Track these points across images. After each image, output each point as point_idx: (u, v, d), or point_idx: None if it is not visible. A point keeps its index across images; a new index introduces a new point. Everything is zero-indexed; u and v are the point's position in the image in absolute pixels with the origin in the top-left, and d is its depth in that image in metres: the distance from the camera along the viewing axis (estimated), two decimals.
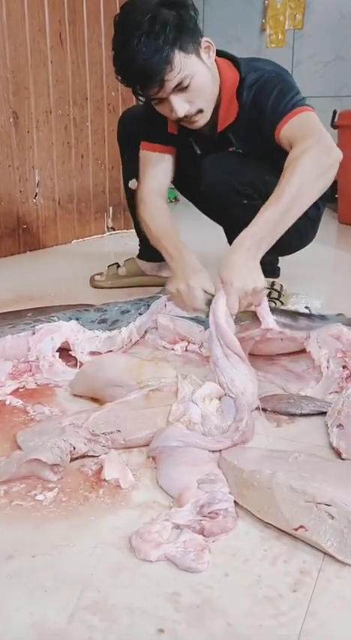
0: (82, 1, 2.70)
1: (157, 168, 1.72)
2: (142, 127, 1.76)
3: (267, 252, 1.81)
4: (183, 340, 1.51)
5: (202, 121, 1.56)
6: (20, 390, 1.27)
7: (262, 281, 1.26)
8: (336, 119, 3.26)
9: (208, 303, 1.31)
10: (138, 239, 2.14)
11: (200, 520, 0.84)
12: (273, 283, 1.86)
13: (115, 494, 0.92)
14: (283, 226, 1.30)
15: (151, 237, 1.63)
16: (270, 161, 1.56)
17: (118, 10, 2.81)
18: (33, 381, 1.29)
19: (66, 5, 2.63)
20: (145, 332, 1.59)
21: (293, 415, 1.17)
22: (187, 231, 2.24)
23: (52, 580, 0.76)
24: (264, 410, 1.19)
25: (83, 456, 1.00)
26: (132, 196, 1.95)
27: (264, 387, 1.30)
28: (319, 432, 1.11)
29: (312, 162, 1.32)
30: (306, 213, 1.82)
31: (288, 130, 1.47)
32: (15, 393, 1.26)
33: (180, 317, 1.54)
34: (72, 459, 0.97)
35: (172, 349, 1.52)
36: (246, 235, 1.28)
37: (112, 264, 2.12)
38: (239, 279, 1.22)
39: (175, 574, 0.76)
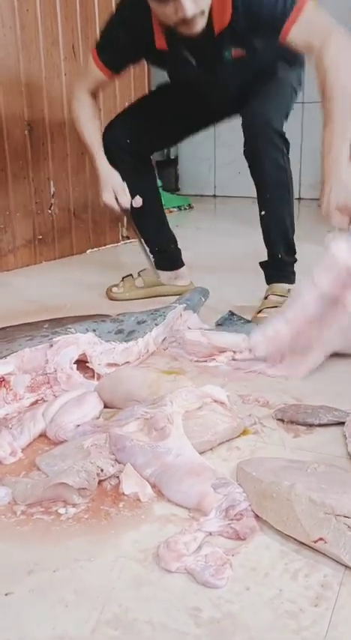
0: (95, 11, 2.72)
1: (99, 86, 1.85)
2: (117, 60, 1.81)
3: (286, 254, 1.84)
4: (223, 352, 1.48)
5: (201, 23, 1.55)
6: (39, 402, 1.28)
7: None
8: None
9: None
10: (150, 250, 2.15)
11: (229, 524, 0.86)
12: (289, 291, 1.86)
13: (135, 508, 0.92)
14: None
15: (80, 132, 1.90)
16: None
17: None
18: (51, 394, 1.30)
19: (78, 15, 2.66)
20: (163, 340, 1.60)
21: (311, 425, 1.17)
22: (198, 239, 2.24)
23: (73, 594, 0.76)
24: (282, 420, 1.19)
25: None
26: (136, 214, 2.00)
27: (281, 398, 1.30)
28: (338, 443, 1.11)
29: (345, 64, 1.44)
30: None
31: (297, 32, 1.49)
32: (34, 405, 1.27)
33: (211, 330, 1.54)
34: (100, 481, 0.97)
35: (206, 361, 1.48)
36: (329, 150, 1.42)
37: (127, 276, 2.13)
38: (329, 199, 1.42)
39: (195, 588, 0.77)
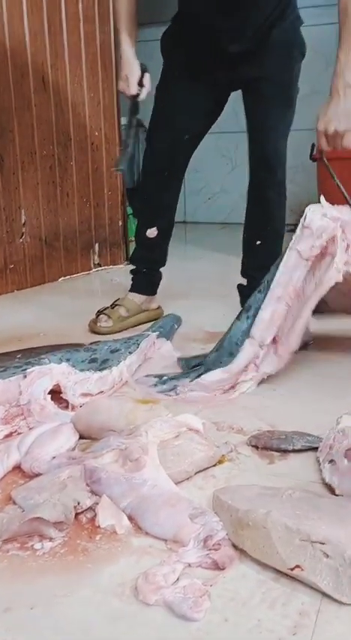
0: (64, 44, 2.76)
1: None
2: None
3: None
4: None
5: None
6: (13, 434, 1.27)
7: (345, 124, 1.57)
8: (314, 152, 3.33)
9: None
10: (130, 272, 2.17)
11: (207, 554, 0.86)
12: None
13: (112, 541, 0.92)
14: None
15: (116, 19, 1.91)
16: None
17: (99, 53, 2.91)
18: (25, 425, 1.29)
19: (48, 49, 2.69)
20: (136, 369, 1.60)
21: (285, 451, 1.18)
22: (168, 265, 2.27)
23: (52, 631, 0.76)
24: (256, 447, 1.20)
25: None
26: (146, 245, 2.05)
27: (255, 424, 1.31)
28: (312, 468, 1.12)
29: None
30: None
31: None
32: (8, 437, 1.26)
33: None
34: (77, 514, 0.97)
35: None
36: (337, 82, 1.59)
37: (114, 307, 2.07)
38: (322, 122, 1.60)
39: (174, 620, 0.76)
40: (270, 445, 1.19)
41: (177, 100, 1.91)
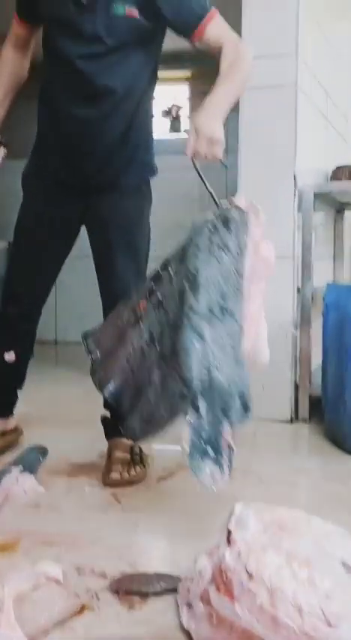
0: None
1: (21, 39, 1.97)
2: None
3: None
4: None
5: None
6: None
7: (222, 133, 1.62)
8: None
9: None
10: None
11: None
12: (132, 448, 1.88)
13: None
14: (232, 99, 1.72)
15: None
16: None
17: None
18: None
19: None
20: None
21: (146, 594, 1.18)
22: (36, 388, 2.23)
23: None
24: (117, 592, 1.19)
25: None
26: (3, 368, 2.01)
27: (117, 566, 1.30)
28: (170, 612, 1.12)
29: (248, 63, 1.75)
30: None
31: (213, 31, 1.74)
32: None
33: None
34: None
35: None
36: (212, 100, 1.65)
37: None
38: (208, 127, 1.60)
39: None
40: (130, 589, 1.19)
41: (33, 231, 1.96)
